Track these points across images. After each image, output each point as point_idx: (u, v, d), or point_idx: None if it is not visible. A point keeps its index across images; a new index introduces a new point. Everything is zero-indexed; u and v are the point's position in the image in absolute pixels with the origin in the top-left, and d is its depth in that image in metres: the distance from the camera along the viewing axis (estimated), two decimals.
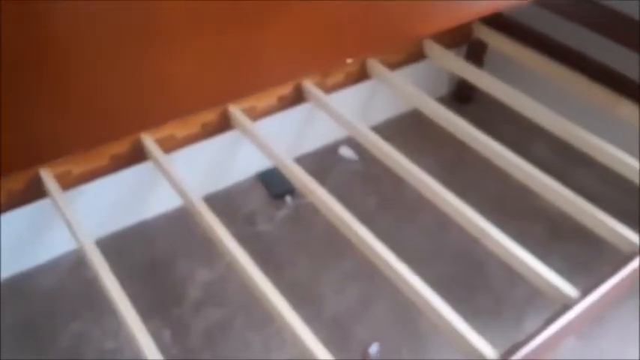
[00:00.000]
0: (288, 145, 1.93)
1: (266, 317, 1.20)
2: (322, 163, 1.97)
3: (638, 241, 1.28)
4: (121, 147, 1.49)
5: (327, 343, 1.14)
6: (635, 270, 1.22)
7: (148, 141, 1.51)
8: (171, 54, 0.86)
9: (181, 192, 1.45)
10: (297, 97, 1.71)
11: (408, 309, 1.31)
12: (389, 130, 2.07)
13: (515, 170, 1.49)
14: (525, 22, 1.88)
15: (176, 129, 1.55)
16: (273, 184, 1.86)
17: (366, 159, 1.88)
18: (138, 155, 1.52)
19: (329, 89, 1.75)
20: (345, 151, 2.02)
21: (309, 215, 1.73)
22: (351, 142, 1.93)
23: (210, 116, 1.59)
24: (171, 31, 0.83)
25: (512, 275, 1.30)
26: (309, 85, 1.70)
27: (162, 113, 1.17)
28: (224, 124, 1.62)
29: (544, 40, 1.82)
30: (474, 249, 1.54)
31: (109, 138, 1.30)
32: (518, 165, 1.48)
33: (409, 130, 2.09)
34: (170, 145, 1.55)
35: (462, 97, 2.24)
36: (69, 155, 1.38)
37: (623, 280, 1.20)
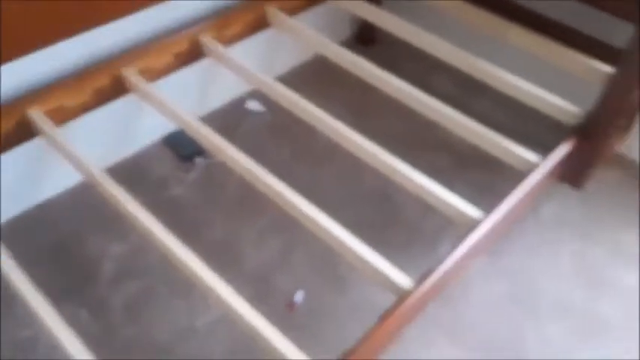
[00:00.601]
0: (192, 105, 1.86)
1: (189, 282, 1.17)
2: (230, 119, 1.92)
3: (533, 159, 1.36)
4: (6, 124, 1.37)
5: (252, 298, 1.14)
6: (532, 186, 1.29)
7: (36, 114, 1.39)
8: None
9: (79, 166, 1.36)
10: (195, 53, 1.63)
11: (327, 254, 1.33)
12: (294, 78, 2.04)
13: (418, 106, 1.52)
14: None
15: (65, 98, 1.44)
16: (181, 147, 1.79)
17: (274, 110, 1.85)
18: (26, 132, 1.40)
19: (227, 41, 1.68)
20: (253, 105, 1.97)
21: (221, 174, 1.69)
22: (257, 94, 1.89)
23: (101, 81, 1.48)
24: None
25: (425, 207, 1.35)
26: (205, 39, 1.62)
27: None
28: (119, 89, 1.52)
29: None
30: (386, 187, 1.58)
31: None
32: (422, 100, 1.51)
33: (315, 76, 2.07)
34: (61, 117, 1.44)
35: (364, 39, 2.23)
36: None
37: (521, 198, 1.27)
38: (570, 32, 1.66)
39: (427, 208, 1.35)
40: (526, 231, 1.66)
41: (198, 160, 1.77)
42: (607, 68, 1.45)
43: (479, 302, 1.50)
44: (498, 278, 1.55)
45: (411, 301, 1.06)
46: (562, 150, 1.41)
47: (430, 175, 1.33)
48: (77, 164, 1.37)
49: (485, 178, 1.74)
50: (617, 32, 1.48)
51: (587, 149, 1.48)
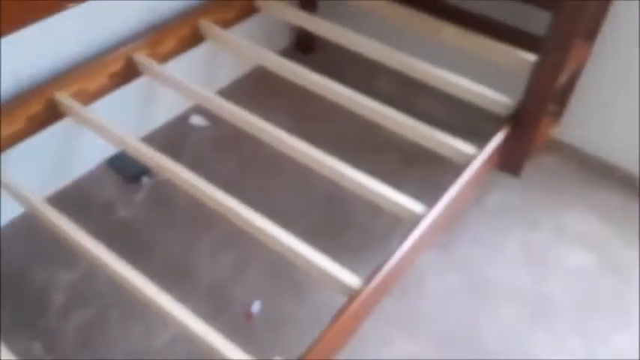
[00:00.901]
0: (134, 124, 1.84)
1: (143, 304, 1.16)
2: (175, 135, 1.91)
3: (470, 152, 1.41)
4: None
5: (210, 313, 1.14)
6: (470, 178, 1.33)
7: None
8: None
9: (19, 197, 1.33)
10: (130, 72, 1.61)
11: (282, 262, 1.34)
12: (236, 91, 2.04)
13: (359, 108, 1.55)
14: None
15: None
16: (125, 168, 1.77)
17: (218, 124, 1.85)
18: None
19: (162, 58, 1.67)
20: (197, 120, 1.96)
21: (169, 192, 1.68)
22: (201, 109, 1.88)
23: (35, 107, 1.45)
24: None
25: (375, 207, 1.36)
26: (139, 57, 1.61)
27: None
28: (54, 114, 1.49)
29: None
30: (336, 191, 1.60)
31: None
32: (362, 103, 1.54)
33: (256, 87, 2.08)
34: None
35: (303, 47, 2.26)
36: None
37: (461, 190, 1.31)
38: (495, 25, 1.72)
39: (377, 208, 1.37)
40: (472, 222, 1.71)
41: (145, 180, 1.75)
42: (531, 57, 1.52)
43: (433, 295, 1.54)
44: (450, 270, 1.60)
45: (360, 299, 1.08)
46: (496, 140, 1.46)
47: (378, 176, 1.35)
48: (16, 195, 1.34)
49: (431, 173, 1.78)
50: (539, 21, 1.55)
51: (520, 137, 1.54)
